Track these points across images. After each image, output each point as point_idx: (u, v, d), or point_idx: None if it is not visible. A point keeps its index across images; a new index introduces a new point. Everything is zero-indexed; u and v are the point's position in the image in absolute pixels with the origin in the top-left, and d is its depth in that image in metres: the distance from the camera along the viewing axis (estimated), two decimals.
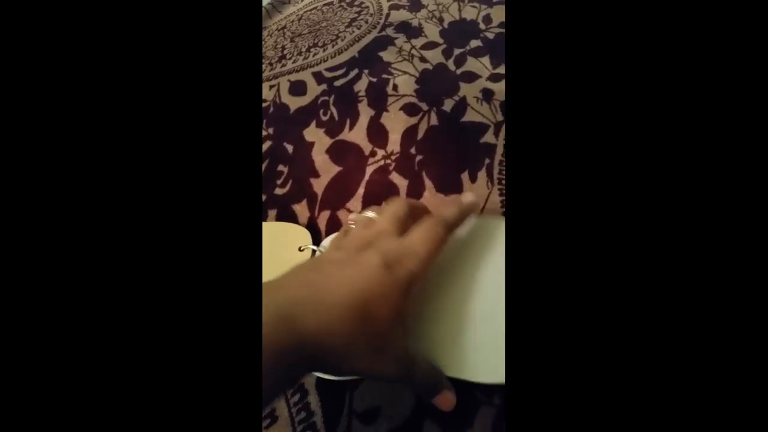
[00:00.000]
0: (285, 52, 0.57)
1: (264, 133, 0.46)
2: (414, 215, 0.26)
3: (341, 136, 0.45)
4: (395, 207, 0.26)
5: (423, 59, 0.54)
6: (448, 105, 0.47)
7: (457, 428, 0.28)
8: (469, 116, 0.45)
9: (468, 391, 0.28)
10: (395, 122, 0.45)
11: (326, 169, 0.42)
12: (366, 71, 0.52)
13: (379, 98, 0.48)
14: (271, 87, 0.51)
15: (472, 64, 0.51)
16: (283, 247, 0.34)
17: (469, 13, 0.61)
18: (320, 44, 0.57)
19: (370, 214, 0.27)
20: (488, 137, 0.42)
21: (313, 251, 0.34)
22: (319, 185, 0.40)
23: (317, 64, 0.54)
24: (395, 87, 0.50)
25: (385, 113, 0.46)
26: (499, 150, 0.41)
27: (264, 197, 0.40)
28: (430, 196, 0.39)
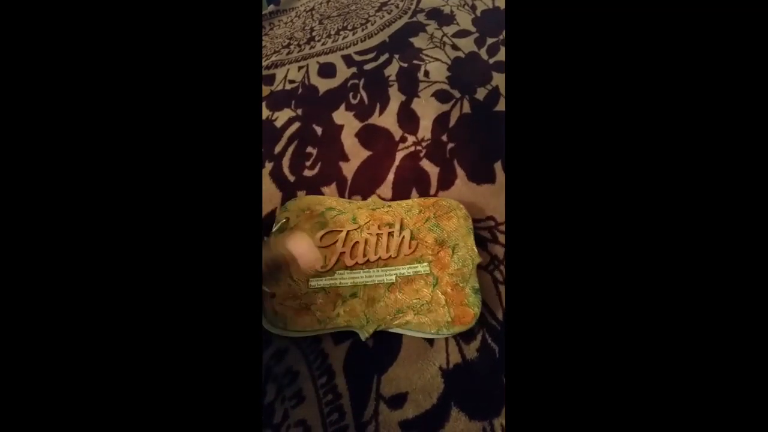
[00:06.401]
0: (314, 33, 0.56)
1: (293, 113, 0.45)
2: None
3: (371, 120, 0.44)
4: None
5: (455, 47, 0.52)
6: (480, 94, 0.46)
7: (484, 416, 0.27)
8: (502, 106, 0.44)
9: (495, 382, 0.28)
10: (426, 108, 0.45)
11: (356, 153, 0.41)
12: (397, 56, 0.51)
13: (410, 84, 0.47)
14: (300, 68, 0.51)
15: (505, 54, 0.50)
16: None
17: (502, 2, 0.59)
18: (350, 27, 0.57)
19: None
20: None
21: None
22: (348, 169, 0.40)
23: (347, 47, 0.53)
24: (427, 73, 0.49)
25: (416, 99, 0.46)
26: None
27: (293, 178, 0.39)
28: (462, 185, 0.38)
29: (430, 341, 0.30)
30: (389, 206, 0.35)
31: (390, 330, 0.30)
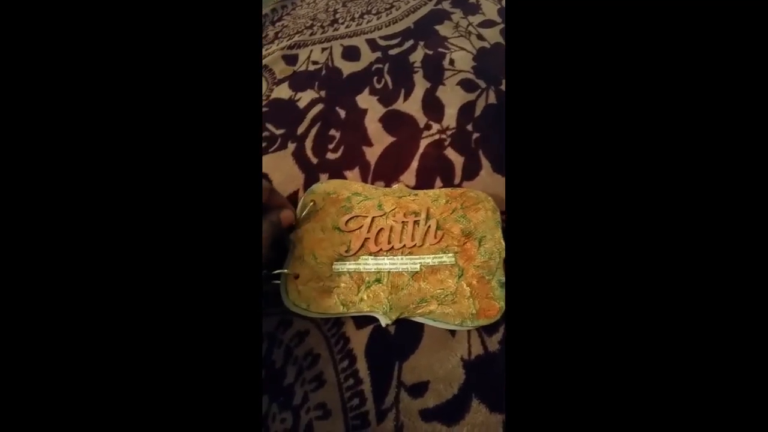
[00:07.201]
0: (337, 16, 0.55)
1: (316, 95, 0.44)
2: None
3: (395, 106, 0.43)
4: None
5: (481, 37, 0.51)
6: (505, 84, 0.45)
7: (504, 409, 0.27)
8: None
9: None
10: (452, 97, 0.44)
11: (379, 139, 0.40)
12: (422, 43, 0.50)
13: (435, 71, 0.46)
14: (323, 50, 0.49)
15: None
16: None
17: None
18: (374, 12, 0.55)
19: None
20: None
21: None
22: (372, 154, 0.39)
23: (371, 32, 0.52)
24: (452, 62, 0.48)
25: (441, 87, 0.45)
26: None
27: (316, 161, 0.39)
28: (487, 176, 0.38)
29: (452, 331, 0.30)
30: (416, 194, 0.34)
31: (413, 319, 0.29)
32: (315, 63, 0.48)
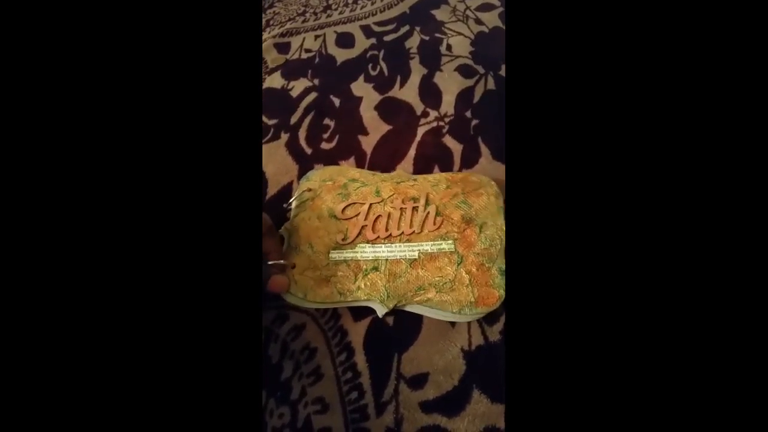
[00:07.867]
0: (330, 2, 0.53)
1: (309, 83, 0.43)
2: None
3: (391, 93, 0.42)
4: None
5: (479, 21, 0.50)
6: (505, 71, 0.44)
7: (503, 399, 0.26)
8: None
9: None
10: (449, 83, 0.43)
11: (375, 127, 0.39)
12: (418, 28, 0.49)
13: (432, 57, 0.45)
14: (316, 37, 0.48)
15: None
16: None
17: None
18: None
19: None
20: None
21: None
22: (368, 143, 0.38)
23: (365, 17, 0.51)
24: (449, 47, 0.47)
25: (438, 73, 0.44)
26: None
27: (310, 151, 0.38)
28: (486, 163, 0.37)
29: (452, 322, 0.29)
30: (415, 180, 0.33)
31: (410, 306, 0.29)
32: (308, 51, 0.47)
